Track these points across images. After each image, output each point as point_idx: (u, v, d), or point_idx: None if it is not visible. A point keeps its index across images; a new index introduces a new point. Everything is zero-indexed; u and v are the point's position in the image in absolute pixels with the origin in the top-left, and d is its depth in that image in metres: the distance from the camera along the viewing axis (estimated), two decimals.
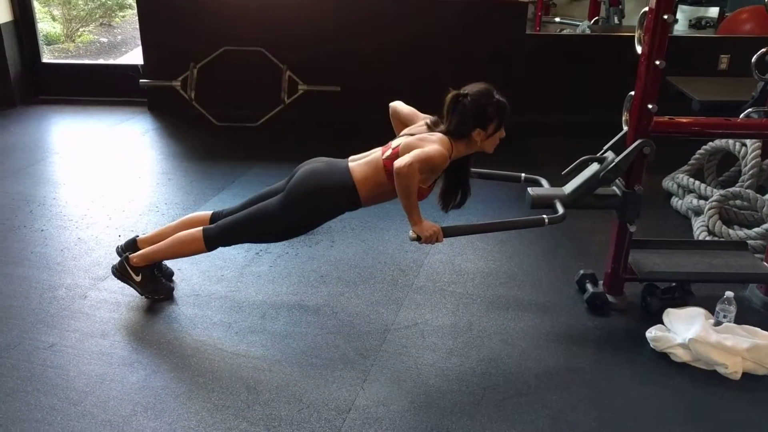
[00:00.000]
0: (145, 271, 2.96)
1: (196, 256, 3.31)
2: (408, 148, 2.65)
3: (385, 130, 2.99)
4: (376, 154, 2.79)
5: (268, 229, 2.85)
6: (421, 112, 2.92)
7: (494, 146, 2.77)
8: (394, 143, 2.76)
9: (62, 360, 2.62)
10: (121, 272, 2.96)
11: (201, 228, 2.90)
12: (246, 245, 3.48)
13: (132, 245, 3.05)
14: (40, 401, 2.40)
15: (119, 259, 3.01)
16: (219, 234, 2.87)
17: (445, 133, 2.70)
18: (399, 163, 2.53)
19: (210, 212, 3.03)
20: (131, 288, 2.98)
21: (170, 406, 2.39)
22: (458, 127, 2.68)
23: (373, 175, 2.73)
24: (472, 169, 3.05)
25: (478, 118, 2.66)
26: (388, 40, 5.43)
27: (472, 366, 2.65)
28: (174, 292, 3.07)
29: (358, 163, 2.80)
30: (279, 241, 3.20)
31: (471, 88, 2.69)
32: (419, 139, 2.69)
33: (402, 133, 2.83)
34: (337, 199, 2.78)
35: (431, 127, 2.76)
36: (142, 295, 2.98)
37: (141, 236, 3.08)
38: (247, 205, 2.93)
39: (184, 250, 2.93)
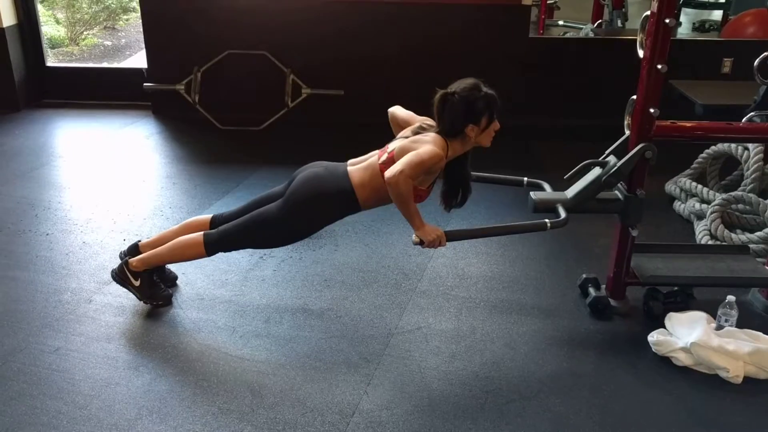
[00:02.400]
0: (144, 275, 2.96)
1: (200, 261, 3.33)
2: (403, 152, 2.65)
3: (387, 133, 3.00)
4: (373, 158, 2.80)
5: (268, 234, 2.86)
6: (425, 115, 2.93)
7: (490, 139, 2.75)
8: (390, 146, 2.77)
9: (68, 364, 2.64)
10: (120, 276, 2.97)
11: (202, 233, 2.91)
12: (250, 249, 3.49)
13: (134, 250, 3.07)
14: (46, 405, 2.42)
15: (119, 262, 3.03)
16: (219, 240, 2.88)
17: (438, 133, 2.70)
18: (389, 173, 2.54)
19: (210, 216, 3.05)
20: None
21: (175, 410, 2.41)
22: (451, 126, 2.67)
23: (369, 180, 2.74)
24: (476, 173, 3.06)
25: (468, 114, 2.64)
26: (392, 44, 5.45)
27: (475, 370, 2.66)
28: (178, 296, 3.09)
29: (357, 167, 2.81)
30: (279, 246, 3.17)
31: (458, 85, 2.68)
32: (413, 141, 2.70)
33: (398, 135, 2.84)
34: (336, 203, 2.79)
35: (426, 129, 2.75)
36: (140, 300, 2.99)
37: (143, 241, 3.10)
38: (247, 209, 2.94)
39: (184, 254, 2.94)
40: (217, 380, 2.57)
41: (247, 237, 2.88)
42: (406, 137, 2.77)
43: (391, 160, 2.68)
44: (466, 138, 2.70)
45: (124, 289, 3.01)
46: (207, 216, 3.06)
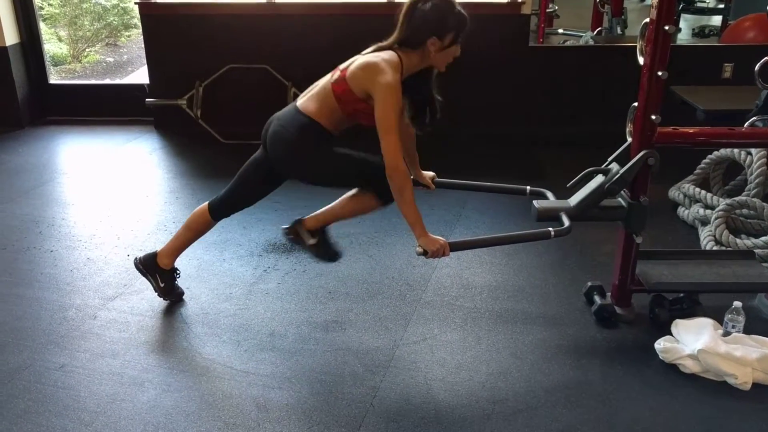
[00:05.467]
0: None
1: (204, 275, 3.35)
2: (356, 69, 2.59)
3: None
4: (324, 80, 2.75)
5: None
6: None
7: (446, 63, 2.69)
8: (342, 65, 2.72)
9: (73, 380, 2.64)
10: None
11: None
12: (253, 263, 3.50)
13: (152, 258, 3.09)
14: (52, 422, 2.41)
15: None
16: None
17: (397, 42, 2.63)
18: (388, 165, 2.53)
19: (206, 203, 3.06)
20: (141, 303, 3.03)
21: (181, 425, 2.40)
22: (414, 34, 2.58)
23: (324, 103, 2.69)
24: (478, 183, 3.07)
25: (436, 24, 2.57)
26: None
27: (482, 380, 2.65)
28: (183, 311, 3.09)
29: (307, 98, 2.76)
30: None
31: None
32: (366, 57, 2.62)
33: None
34: (306, 141, 2.72)
35: (382, 48, 2.67)
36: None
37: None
38: (236, 182, 2.98)
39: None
40: (223, 395, 2.56)
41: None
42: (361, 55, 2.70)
43: (342, 79, 2.63)
44: (426, 52, 2.62)
45: (130, 305, 3.03)
46: (203, 204, 3.07)
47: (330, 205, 2.96)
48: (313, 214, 2.98)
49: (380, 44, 2.70)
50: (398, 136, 2.56)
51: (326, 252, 3.03)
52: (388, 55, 2.62)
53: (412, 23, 2.60)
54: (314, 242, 2.97)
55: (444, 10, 2.59)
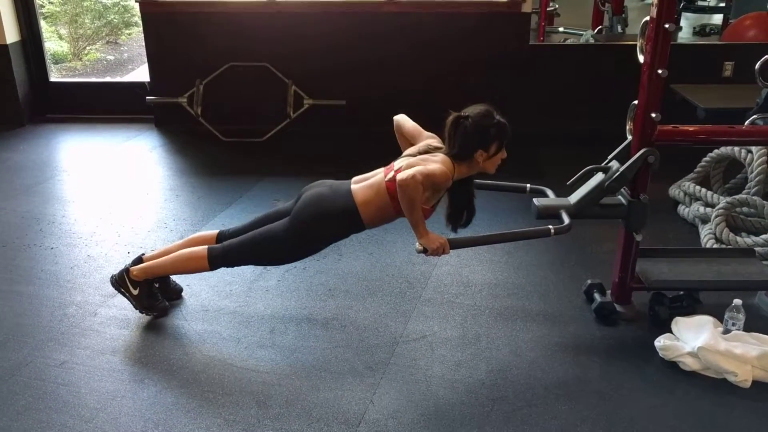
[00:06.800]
0: (143, 285, 2.97)
1: (204, 272, 3.34)
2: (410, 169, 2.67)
3: (389, 143, 3.02)
4: (379, 176, 2.80)
5: (272, 252, 2.87)
6: (426, 123, 2.94)
7: (496, 166, 2.80)
8: (396, 164, 2.79)
9: (73, 377, 2.64)
10: (119, 283, 2.98)
11: (206, 246, 2.92)
12: None
13: (138, 263, 3.06)
14: (52, 419, 2.41)
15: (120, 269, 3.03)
16: (224, 254, 2.88)
17: (447, 155, 2.73)
18: (402, 175, 2.56)
19: (216, 231, 3.05)
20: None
21: (181, 421, 2.41)
22: (461, 150, 2.71)
23: (375, 198, 2.75)
24: (478, 181, 3.07)
25: (479, 139, 2.69)
26: (393, 53, 5.46)
27: (481, 377, 2.65)
28: (183, 308, 3.09)
29: (361, 186, 2.81)
30: (283, 264, 3.19)
31: (472, 110, 2.72)
32: (422, 160, 2.72)
33: (405, 153, 2.86)
34: (340, 223, 2.80)
35: (433, 150, 2.78)
36: (135, 309, 3.00)
37: (147, 254, 3.09)
38: (254, 225, 2.95)
39: (186, 266, 2.95)
40: (223, 391, 2.56)
41: (252, 254, 2.89)
42: (413, 155, 2.79)
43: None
44: (473, 162, 2.74)
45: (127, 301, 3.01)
46: (213, 231, 3.06)
47: (162, 259, 2.97)
48: (141, 265, 2.98)
49: (431, 145, 2.81)
50: (422, 189, 2.60)
51: (149, 306, 3.00)
52: (442, 157, 2.73)
53: (458, 141, 2.70)
54: (135, 293, 2.96)
55: (484, 124, 2.70)
